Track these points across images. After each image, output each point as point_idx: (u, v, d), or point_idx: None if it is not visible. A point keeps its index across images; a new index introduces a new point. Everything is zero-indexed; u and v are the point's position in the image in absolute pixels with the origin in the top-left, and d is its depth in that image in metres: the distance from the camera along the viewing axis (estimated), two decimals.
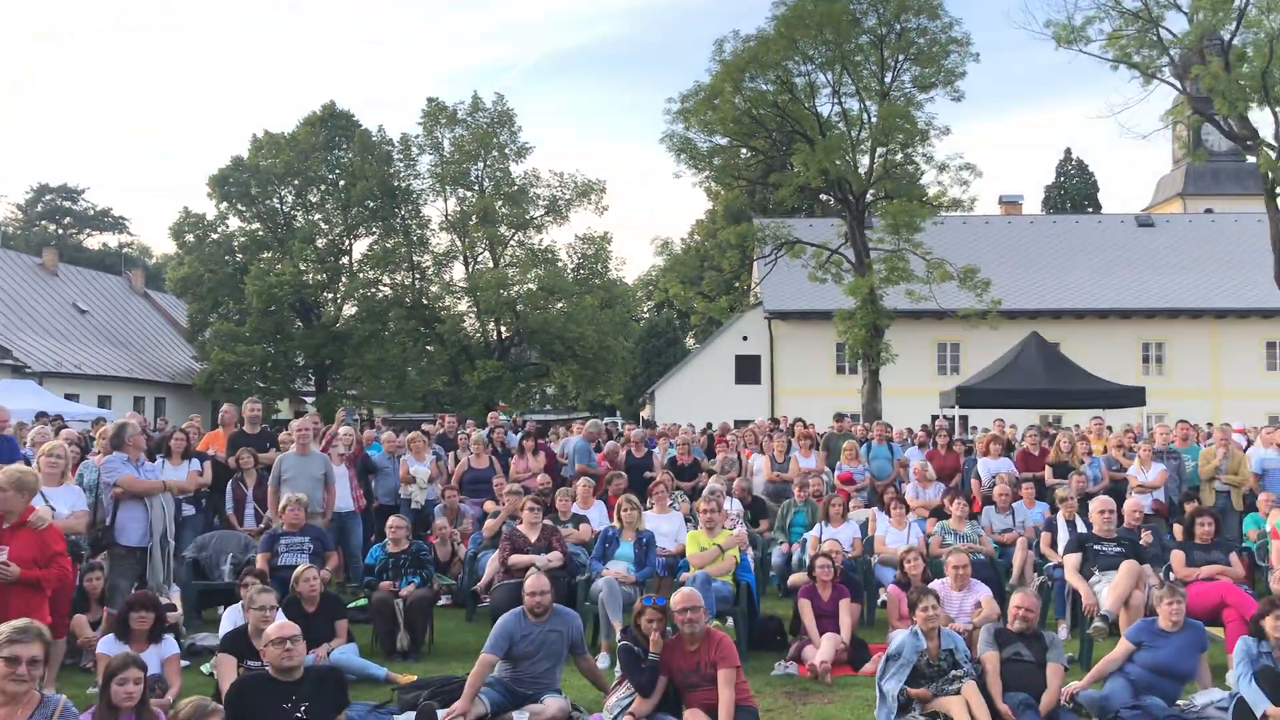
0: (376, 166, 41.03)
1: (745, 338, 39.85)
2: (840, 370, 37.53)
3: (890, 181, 29.59)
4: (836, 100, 30.24)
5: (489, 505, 12.41)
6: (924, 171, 31.98)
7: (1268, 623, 7.06)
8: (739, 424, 20.86)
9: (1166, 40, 25.27)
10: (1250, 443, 15.69)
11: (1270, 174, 23.93)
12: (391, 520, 10.02)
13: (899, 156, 29.90)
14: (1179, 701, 7.43)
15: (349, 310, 42.63)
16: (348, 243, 43.07)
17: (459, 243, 42.77)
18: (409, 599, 9.26)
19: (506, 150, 42.57)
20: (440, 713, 6.91)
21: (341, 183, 41.77)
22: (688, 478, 14.07)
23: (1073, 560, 9.33)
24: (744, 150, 33.60)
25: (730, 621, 9.44)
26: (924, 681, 7.03)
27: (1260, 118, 26.01)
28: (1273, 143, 23.94)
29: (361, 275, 41.77)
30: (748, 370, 39.64)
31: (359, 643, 8.83)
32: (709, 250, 50.19)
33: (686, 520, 11.11)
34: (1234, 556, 9.49)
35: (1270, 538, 10.24)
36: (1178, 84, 26.34)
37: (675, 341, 54.35)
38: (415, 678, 8.07)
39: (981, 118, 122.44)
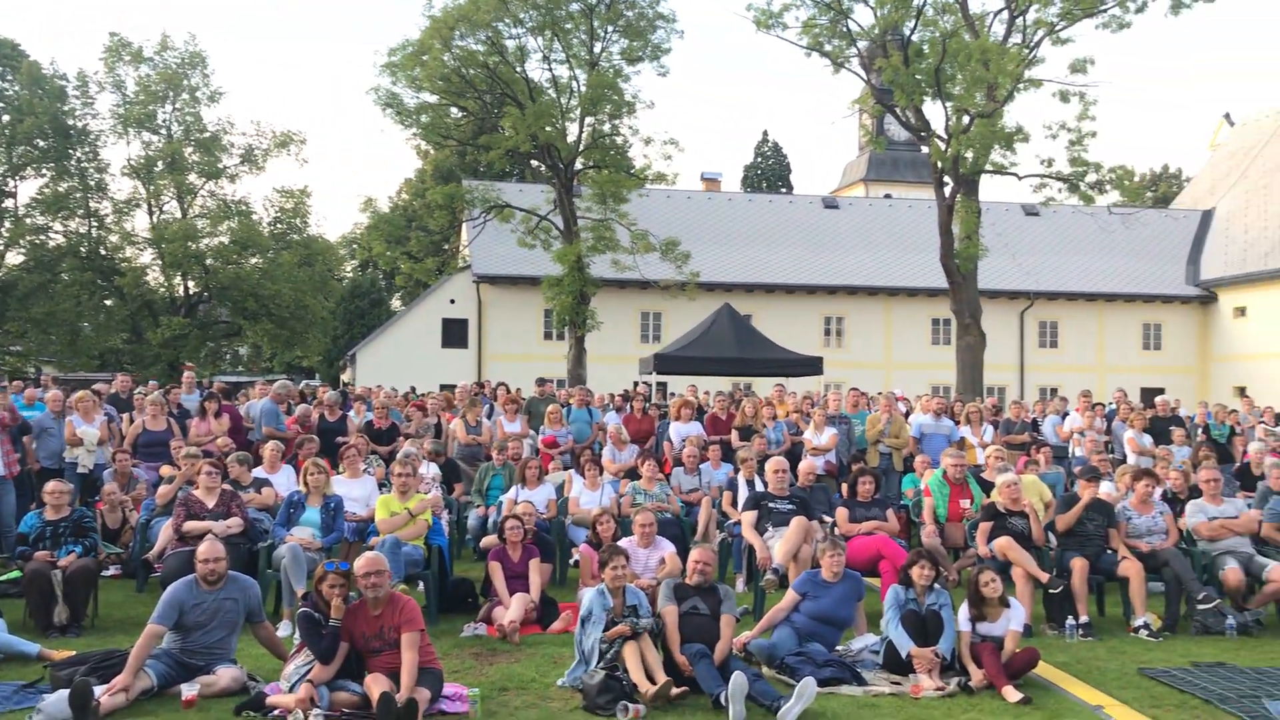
0: (47, 103, 37.32)
1: (453, 301, 39.41)
2: (548, 336, 37.85)
3: (598, 151, 30.03)
4: (547, 66, 30.36)
5: (165, 470, 11.68)
6: (631, 144, 32.70)
7: (914, 572, 7.74)
8: (444, 388, 20.64)
9: (855, 32, 27.00)
10: (910, 410, 17.16)
11: (940, 164, 26.10)
12: (50, 485, 9.22)
13: (607, 127, 30.38)
14: (838, 647, 8.03)
15: (14, 259, 38.69)
16: (12, 184, 39.03)
17: (143, 190, 39.70)
18: (68, 569, 8.57)
19: (198, 94, 39.86)
20: (99, 689, 6.42)
21: (5, 118, 37.74)
22: (385, 442, 13.78)
23: (749, 517, 9.89)
24: (454, 110, 33.10)
25: (421, 586, 9.34)
26: None
27: (933, 111, 28.29)
28: (943, 135, 26.11)
29: (29, 221, 37.97)
30: (455, 334, 39.25)
31: (8, 618, 8.09)
32: (417, 210, 49.23)
33: (382, 485, 10.87)
34: (891, 513, 10.33)
35: (923, 496, 11.20)
36: (863, 74, 28.21)
37: (380, 303, 53.01)
38: (73, 653, 7.47)
39: (687, 95, 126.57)
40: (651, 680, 6.82)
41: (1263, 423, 18.50)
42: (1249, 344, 39.47)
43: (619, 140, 31.50)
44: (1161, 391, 28.98)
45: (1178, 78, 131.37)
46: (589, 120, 29.98)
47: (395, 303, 55.38)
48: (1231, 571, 9.36)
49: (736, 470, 11.79)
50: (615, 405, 17.17)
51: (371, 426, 14.13)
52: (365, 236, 43.98)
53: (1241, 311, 40.15)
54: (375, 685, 6.39)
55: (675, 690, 6.78)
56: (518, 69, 29.67)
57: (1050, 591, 9.04)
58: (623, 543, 8.84)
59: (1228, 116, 55.19)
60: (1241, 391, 33.91)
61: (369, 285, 53.43)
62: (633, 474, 12.46)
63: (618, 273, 30.62)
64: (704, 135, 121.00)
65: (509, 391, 16.95)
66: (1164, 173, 71.13)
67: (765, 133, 71.25)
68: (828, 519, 10.20)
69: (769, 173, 69.17)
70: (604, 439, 14.43)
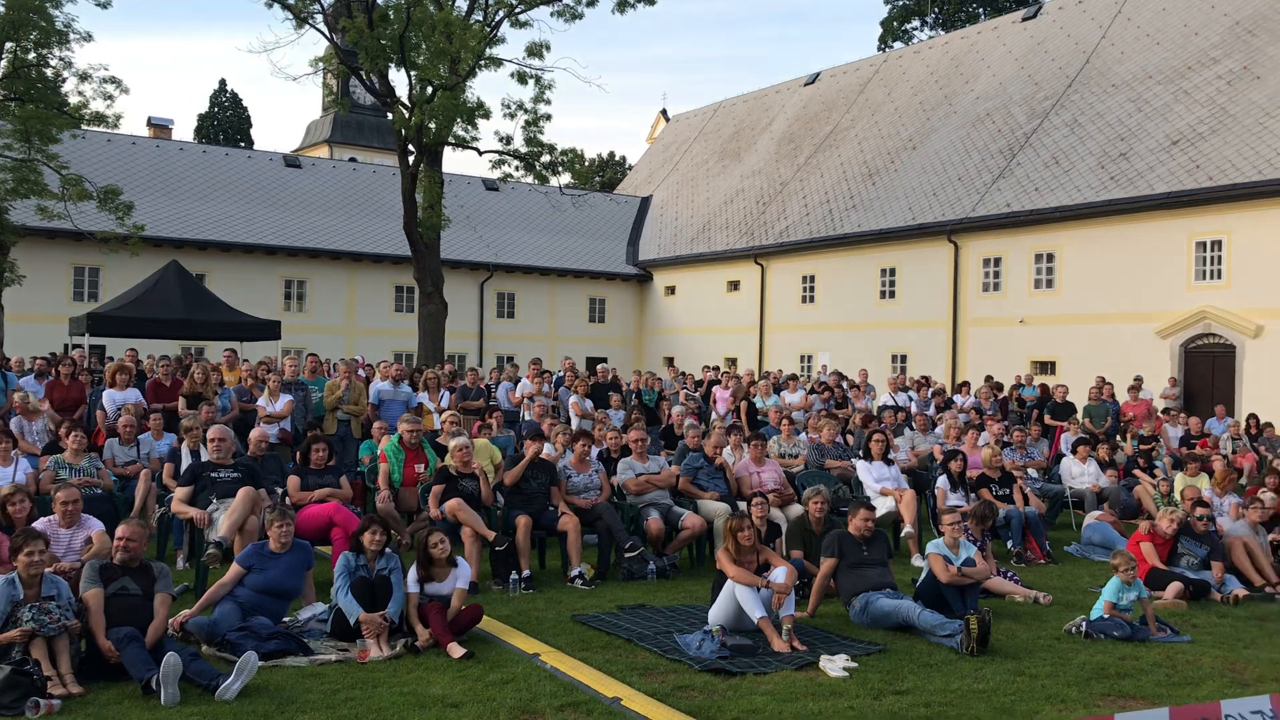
0: None
1: None
2: None
3: (20, 82, 26.44)
4: None
5: None
6: (65, 79, 29.17)
7: (365, 538, 7.69)
8: None
9: None
10: (371, 377, 17.10)
11: (403, 131, 26.19)
12: None
13: (32, 56, 26.81)
14: (284, 619, 7.77)
15: None
16: None
17: None
18: None
19: None
20: None
21: None
22: None
23: (182, 492, 9.33)
24: None
25: None
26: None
27: (398, 78, 28.26)
28: (407, 103, 26.21)
29: None
30: None
31: None
32: None
33: None
34: (344, 480, 10.20)
35: (379, 461, 11.21)
36: (327, 33, 27.48)
37: None
38: None
39: (135, 32, 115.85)
40: None
41: (686, 389, 20.76)
42: (677, 319, 44.20)
43: (48, 73, 27.96)
44: (604, 360, 31.56)
45: (626, 71, 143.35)
46: (9, 46, 26.30)
47: None
48: (653, 521, 10.40)
49: (180, 440, 11.01)
50: (37, 369, 15.29)
51: None
52: None
53: (672, 290, 44.80)
54: None
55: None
56: None
57: (496, 549, 9.45)
58: (40, 524, 7.88)
59: (664, 113, 61.20)
60: (670, 361, 37.92)
61: None
62: (53, 448, 11.18)
63: (45, 221, 27.27)
64: (154, 78, 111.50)
65: None
66: (611, 159, 77.32)
67: (223, 82, 67.12)
68: (279, 489, 9.85)
69: (227, 125, 65.38)
70: (19, 405, 12.78)
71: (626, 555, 9.97)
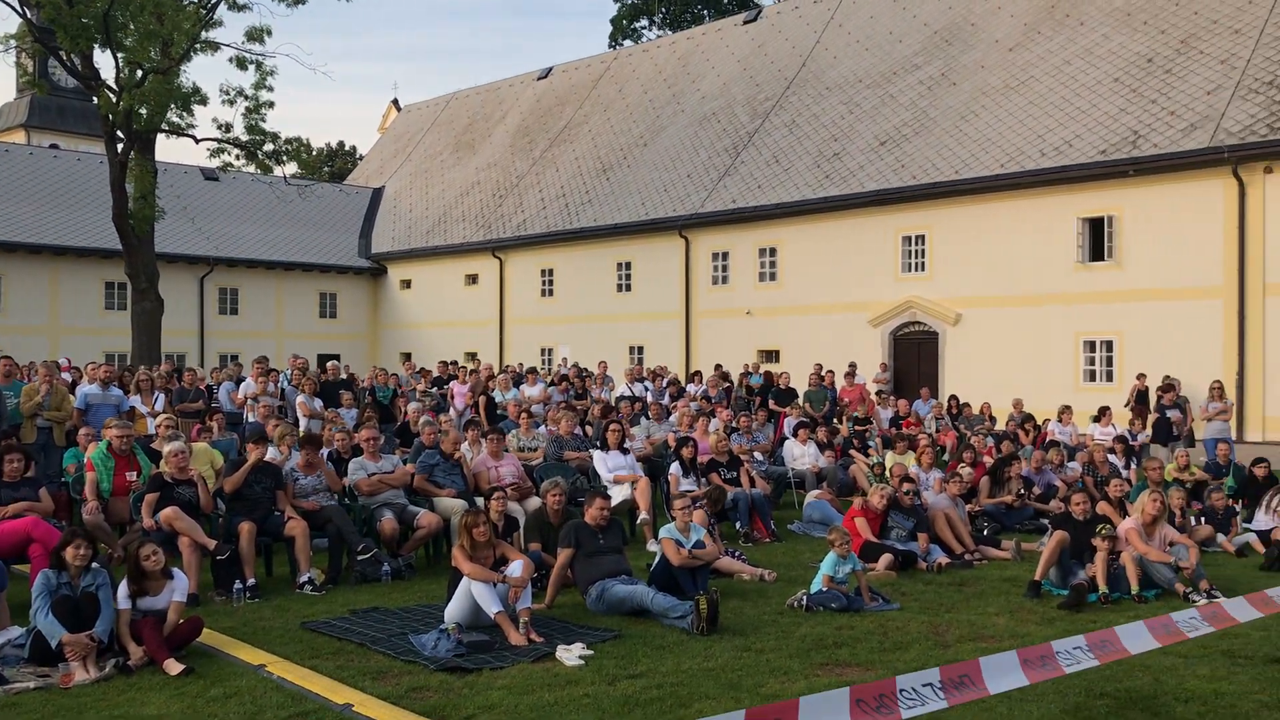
0: None
1: None
2: None
3: None
4: None
5: None
6: None
7: (68, 553, 7.10)
8: None
9: None
10: (78, 379, 15.85)
11: (111, 117, 24.38)
12: None
13: None
14: None
15: None
16: None
17: None
18: None
19: None
20: None
21: None
22: None
23: None
24: None
25: None
26: None
27: (104, 59, 26.27)
28: (114, 86, 24.41)
29: None
30: None
31: None
32: None
33: None
34: (44, 492, 9.40)
35: (86, 470, 10.43)
36: (18, 7, 25.19)
37: None
38: None
39: None
40: None
41: (424, 387, 20.42)
42: (414, 313, 43.42)
43: None
44: (337, 357, 30.57)
45: (356, 59, 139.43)
46: None
47: None
48: (387, 522, 10.16)
49: None
50: None
51: None
52: None
53: (408, 284, 43.96)
54: None
55: None
56: None
57: (218, 558, 8.97)
58: None
59: (396, 102, 59.95)
60: (407, 357, 37.24)
61: None
62: None
63: None
64: None
65: None
66: (340, 149, 74.99)
67: None
68: None
69: None
70: None
71: (359, 558, 9.69)
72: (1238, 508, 12.38)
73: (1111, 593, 8.89)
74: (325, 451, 11.09)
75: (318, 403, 16.09)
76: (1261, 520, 11.53)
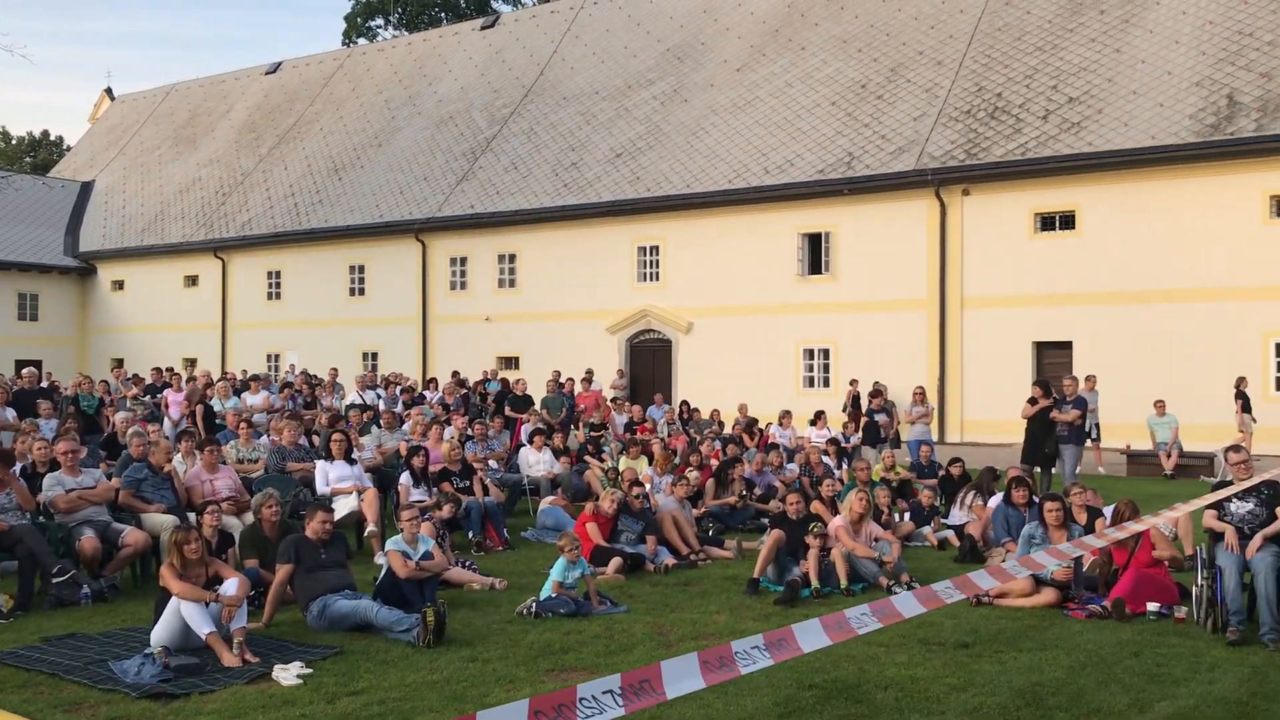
0: None
1: None
2: None
3: None
4: None
5: None
6: None
7: None
8: None
9: None
10: None
11: None
12: None
13: None
14: None
15: None
16: None
17: None
18: None
19: None
20: None
21: None
22: None
23: None
24: None
25: None
26: None
27: None
28: None
29: None
30: None
31: None
32: None
33: None
34: None
35: None
36: None
37: None
38: None
39: None
40: None
41: (135, 395, 19.11)
42: (127, 316, 40.61)
43: None
44: (38, 364, 28.17)
45: (64, 42, 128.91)
46: None
47: None
48: (88, 540, 9.41)
49: None
50: None
51: None
52: None
53: (120, 285, 41.07)
54: None
55: None
56: None
57: None
58: None
59: (109, 91, 55.97)
60: (119, 363, 34.75)
61: None
62: None
63: None
64: None
65: None
66: (45, 139, 69.30)
67: None
68: None
69: None
70: None
71: (54, 580, 8.93)
72: (940, 504, 13.38)
73: (823, 587, 9.39)
74: (19, 466, 10.17)
75: (10, 413, 14.76)
76: (957, 516, 12.50)
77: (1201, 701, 6.31)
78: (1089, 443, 18.66)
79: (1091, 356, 22.81)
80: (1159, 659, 7.23)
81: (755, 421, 19.18)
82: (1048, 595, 8.80)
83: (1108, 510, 10.17)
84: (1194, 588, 8.29)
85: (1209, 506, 8.15)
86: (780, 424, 18.78)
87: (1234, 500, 8.17)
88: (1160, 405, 19.75)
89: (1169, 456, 18.87)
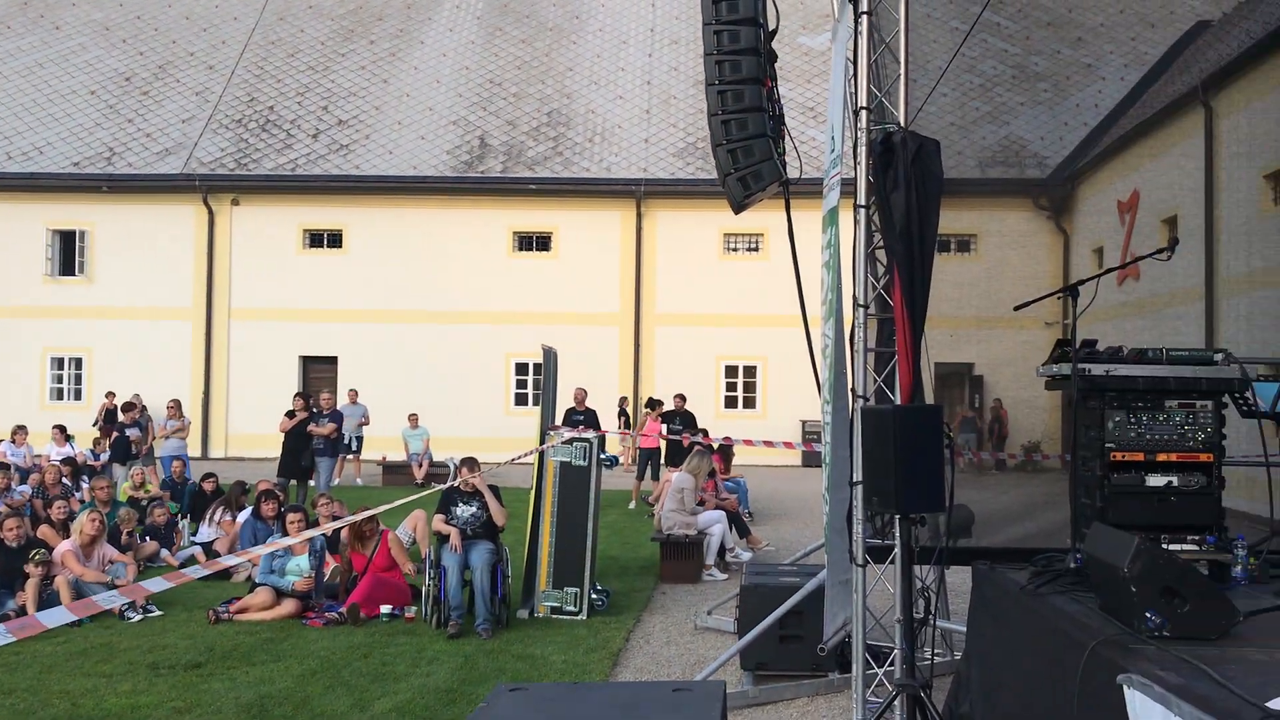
0: None
1: None
2: None
3: None
4: None
5: None
6: None
7: None
8: None
9: None
10: None
11: None
12: None
13: None
14: None
15: None
16: None
17: None
18: None
19: None
20: None
21: None
22: None
23: None
24: None
25: None
26: None
27: None
28: None
29: None
30: None
31: None
32: None
33: None
34: None
35: None
36: None
37: None
38: None
39: None
40: None
41: None
42: None
43: None
44: None
45: None
46: None
47: None
48: None
49: None
50: None
51: None
52: None
53: None
54: None
55: None
56: None
57: None
58: None
59: None
60: None
61: None
62: None
63: None
64: None
65: None
66: None
67: None
68: None
69: None
70: None
71: None
72: (182, 522, 12.80)
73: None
74: None
75: None
76: (205, 532, 12.10)
77: (418, 694, 6.77)
78: (351, 455, 19.32)
79: (356, 371, 23.66)
80: (386, 658, 7.63)
81: None
82: (289, 606, 8.86)
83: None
84: (424, 587, 8.91)
85: (437, 511, 8.86)
86: (13, 440, 16.74)
87: (459, 504, 8.93)
88: (414, 418, 21.06)
89: (420, 466, 20.14)
